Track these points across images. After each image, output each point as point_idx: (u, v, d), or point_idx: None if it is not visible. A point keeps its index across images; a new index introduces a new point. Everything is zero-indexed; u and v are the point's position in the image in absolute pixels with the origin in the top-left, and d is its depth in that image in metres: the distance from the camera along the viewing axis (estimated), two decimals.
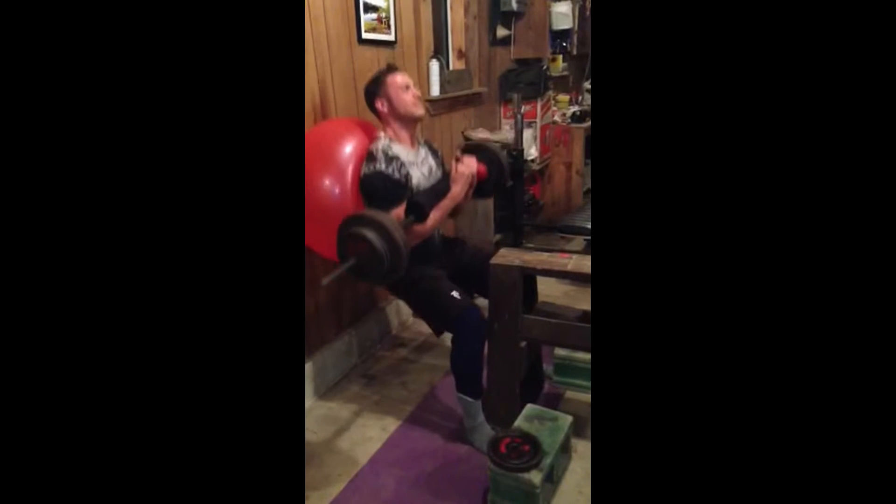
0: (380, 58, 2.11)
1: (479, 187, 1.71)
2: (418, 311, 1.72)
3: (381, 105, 1.63)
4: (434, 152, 1.78)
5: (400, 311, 2.44)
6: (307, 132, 1.69)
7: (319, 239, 1.60)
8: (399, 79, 1.62)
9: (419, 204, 1.50)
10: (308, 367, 1.88)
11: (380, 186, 1.53)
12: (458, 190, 1.58)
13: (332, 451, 1.65)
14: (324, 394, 1.94)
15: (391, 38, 2.15)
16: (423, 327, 2.32)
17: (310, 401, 1.89)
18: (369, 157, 1.56)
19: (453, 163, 1.62)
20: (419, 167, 1.65)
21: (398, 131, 1.65)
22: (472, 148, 1.81)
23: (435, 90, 2.46)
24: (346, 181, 1.58)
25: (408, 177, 1.58)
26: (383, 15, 2.08)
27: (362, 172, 1.55)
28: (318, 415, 1.83)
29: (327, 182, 1.57)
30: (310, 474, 1.54)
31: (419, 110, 1.64)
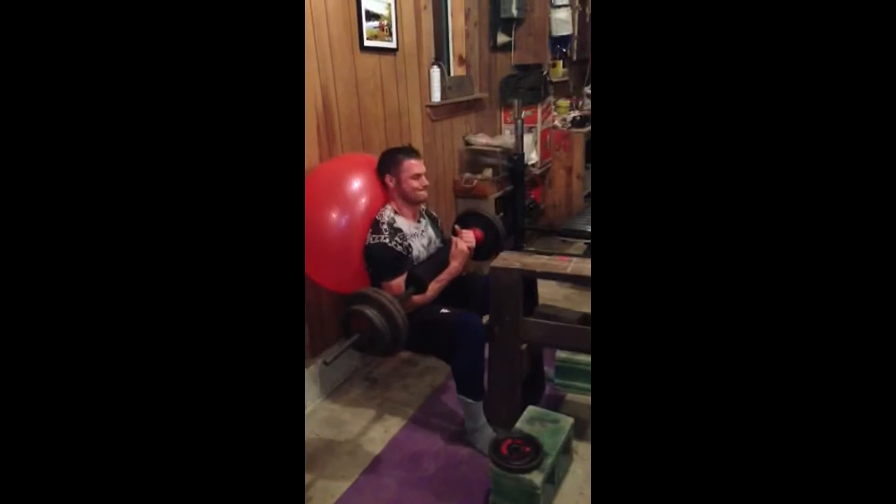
0: (382, 64, 2.14)
1: (476, 251, 1.81)
2: (422, 348, 1.74)
3: (389, 181, 1.72)
4: (434, 221, 1.89)
5: None
6: (316, 169, 1.76)
7: (326, 273, 1.68)
8: (414, 166, 1.71)
9: (419, 277, 1.60)
10: (311, 369, 1.90)
11: (383, 258, 1.63)
12: (456, 266, 1.69)
13: (335, 453, 1.66)
14: (327, 396, 1.96)
15: (393, 45, 2.17)
16: None
17: (313, 403, 1.91)
18: (374, 227, 1.66)
19: (452, 238, 1.72)
20: (420, 238, 1.75)
21: (402, 207, 1.74)
22: (467, 216, 1.93)
23: (436, 96, 2.49)
24: (355, 213, 1.66)
25: (409, 248, 1.68)
26: (385, 22, 2.11)
27: (367, 242, 1.65)
28: (321, 417, 1.84)
29: (334, 215, 1.64)
30: (312, 476, 1.55)
31: (422, 198, 1.74)
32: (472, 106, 2.88)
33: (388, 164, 1.72)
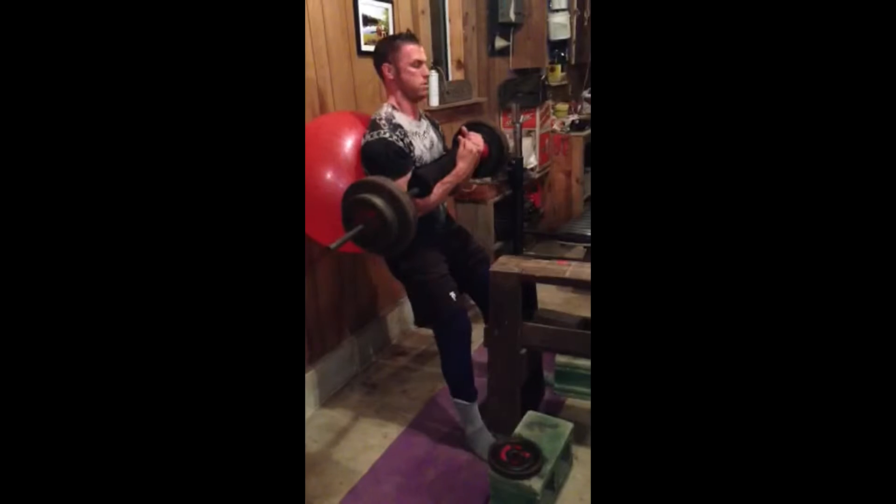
0: None
1: (480, 166, 1.67)
2: (410, 296, 1.70)
3: (387, 70, 1.56)
4: (435, 126, 1.72)
5: (401, 320, 2.45)
6: (307, 125, 1.66)
7: (321, 229, 1.58)
8: (413, 52, 1.53)
9: (423, 177, 1.45)
10: (310, 375, 1.89)
11: (384, 154, 1.45)
12: (464, 167, 1.54)
13: (334, 459, 1.65)
14: (325, 402, 1.95)
15: None
16: (425, 335, 2.34)
17: (311, 409, 1.90)
18: (372, 124, 1.51)
19: (460, 138, 1.58)
20: (421, 138, 1.60)
21: (401, 101, 1.59)
22: (474, 126, 1.75)
23: (434, 101, 2.49)
24: (349, 174, 1.54)
25: (411, 147, 1.52)
26: (383, 27, 2.11)
27: (364, 140, 1.49)
28: (320, 423, 1.83)
29: (329, 175, 1.53)
30: (311, 483, 1.54)
31: (423, 91, 1.58)
32: (471, 110, 2.88)
33: (385, 51, 1.54)
